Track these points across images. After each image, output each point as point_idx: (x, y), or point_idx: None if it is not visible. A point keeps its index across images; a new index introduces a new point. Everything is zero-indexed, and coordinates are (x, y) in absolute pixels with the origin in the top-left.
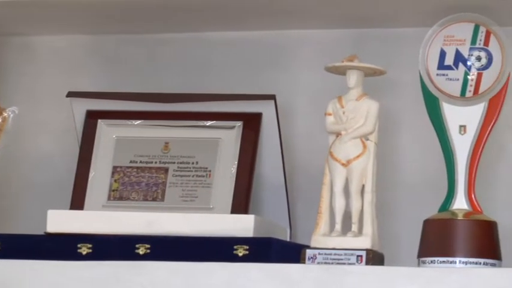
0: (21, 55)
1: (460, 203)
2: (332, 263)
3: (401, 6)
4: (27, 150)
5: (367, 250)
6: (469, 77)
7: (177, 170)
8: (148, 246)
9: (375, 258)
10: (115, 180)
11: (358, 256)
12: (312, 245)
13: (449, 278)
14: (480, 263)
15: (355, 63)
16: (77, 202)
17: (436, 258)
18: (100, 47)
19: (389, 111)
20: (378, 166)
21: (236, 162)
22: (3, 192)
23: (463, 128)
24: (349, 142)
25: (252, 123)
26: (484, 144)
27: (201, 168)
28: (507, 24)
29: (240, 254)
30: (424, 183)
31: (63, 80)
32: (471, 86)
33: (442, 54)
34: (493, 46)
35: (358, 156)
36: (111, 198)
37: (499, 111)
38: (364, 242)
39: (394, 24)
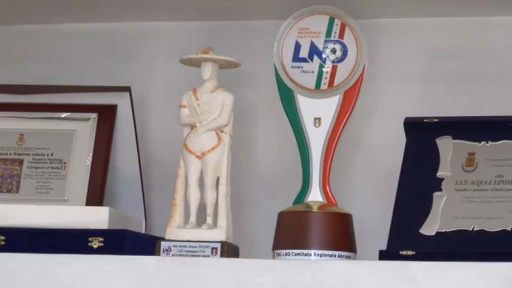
0: None
1: (315, 196)
2: (187, 255)
3: None
4: None
5: (222, 242)
6: (324, 70)
7: (32, 162)
8: (3, 238)
9: (229, 250)
10: None
11: (213, 248)
12: (167, 237)
13: (304, 271)
14: (335, 256)
15: (209, 56)
16: None
17: (290, 251)
18: None
19: (244, 104)
20: (232, 158)
21: (91, 154)
22: None
23: (318, 121)
24: (203, 134)
25: (107, 115)
26: (339, 136)
27: (56, 160)
28: (362, 16)
29: (95, 246)
30: (280, 175)
31: None
32: (326, 78)
33: (297, 47)
34: (348, 39)
35: (212, 149)
36: None
37: (354, 103)
38: (219, 234)
39: (249, 17)
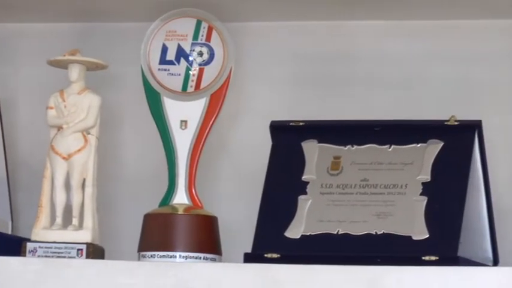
0: None
1: (181, 198)
2: (52, 256)
3: (124, 0)
4: None
5: (88, 244)
6: (190, 72)
7: None
8: None
9: (95, 251)
10: None
11: (78, 250)
12: (33, 238)
13: (169, 273)
14: (200, 258)
15: (76, 57)
16: None
17: (156, 253)
18: None
19: (111, 106)
20: (99, 160)
21: None
22: None
23: (184, 123)
24: (70, 136)
25: None
26: (205, 139)
27: None
28: (230, 20)
29: None
30: (146, 177)
31: None
32: (193, 81)
33: (164, 49)
34: (215, 42)
35: (79, 150)
36: None
37: (221, 106)
38: (85, 235)
39: (117, 19)
